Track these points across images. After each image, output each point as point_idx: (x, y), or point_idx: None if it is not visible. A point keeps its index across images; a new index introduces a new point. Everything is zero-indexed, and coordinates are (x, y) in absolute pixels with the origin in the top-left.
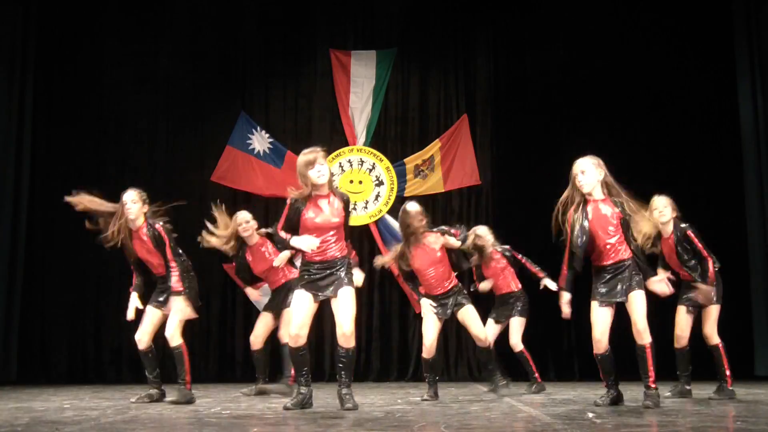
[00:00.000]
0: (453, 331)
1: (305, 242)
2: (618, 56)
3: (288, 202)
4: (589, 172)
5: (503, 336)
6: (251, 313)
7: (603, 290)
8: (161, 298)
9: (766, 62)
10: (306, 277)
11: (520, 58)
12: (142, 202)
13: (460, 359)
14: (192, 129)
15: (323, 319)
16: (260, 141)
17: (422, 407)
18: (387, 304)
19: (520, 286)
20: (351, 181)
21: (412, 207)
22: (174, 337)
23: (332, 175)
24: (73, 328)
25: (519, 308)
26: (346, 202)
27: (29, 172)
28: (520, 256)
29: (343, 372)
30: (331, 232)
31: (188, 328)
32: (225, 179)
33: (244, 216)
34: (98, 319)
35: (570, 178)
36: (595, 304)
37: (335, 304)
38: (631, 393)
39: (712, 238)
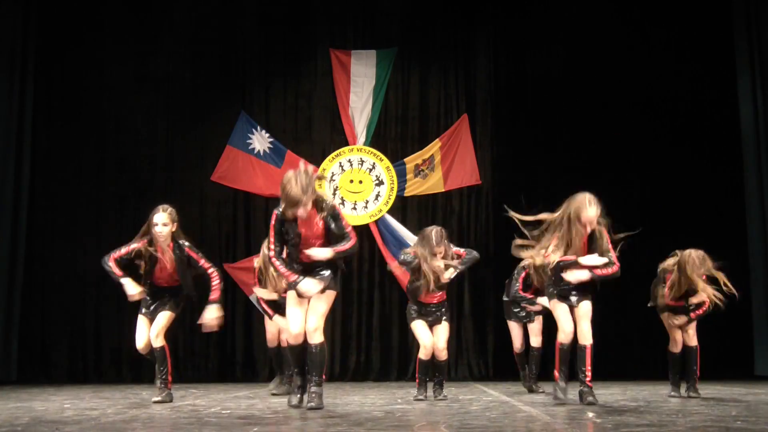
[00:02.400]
0: (453, 332)
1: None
2: (618, 56)
3: (273, 219)
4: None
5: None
6: (251, 313)
7: (558, 292)
8: (152, 308)
9: (766, 61)
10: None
11: (520, 58)
12: (172, 222)
13: (460, 359)
14: (192, 129)
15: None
16: (260, 141)
17: (422, 407)
18: (387, 304)
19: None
20: (351, 181)
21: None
22: (159, 337)
23: (316, 199)
24: (73, 328)
25: (539, 309)
26: (327, 212)
27: (29, 172)
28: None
29: (312, 370)
30: (317, 243)
31: (188, 328)
32: (225, 179)
33: None
34: (98, 319)
35: (573, 216)
36: (555, 302)
37: (311, 301)
38: (631, 393)
39: (713, 238)
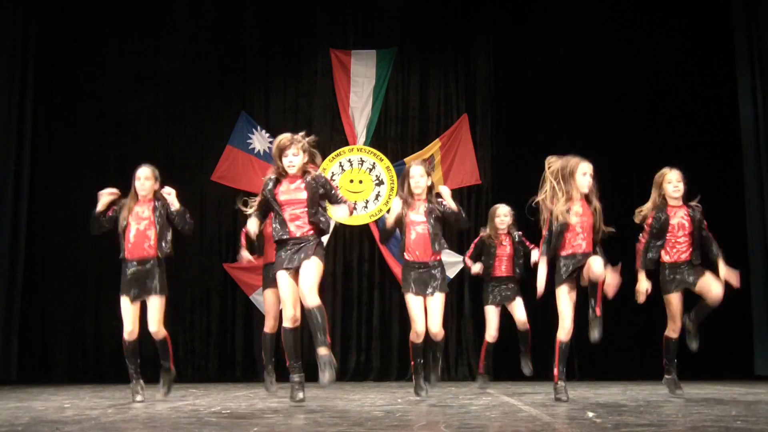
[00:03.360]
0: (453, 331)
1: None
2: (618, 56)
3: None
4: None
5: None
6: (251, 313)
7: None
8: (134, 291)
9: (766, 61)
10: (282, 256)
11: (520, 57)
12: (155, 179)
13: (460, 359)
14: (192, 129)
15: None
16: (260, 140)
17: (421, 407)
18: (387, 304)
19: (517, 272)
20: (351, 181)
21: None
22: (160, 327)
23: (306, 163)
24: (73, 328)
25: (517, 289)
26: (313, 178)
27: (29, 171)
28: (530, 244)
29: (316, 330)
30: (300, 209)
31: (188, 328)
32: (225, 179)
33: None
34: (98, 319)
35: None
36: (561, 289)
37: (300, 273)
38: (631, 393)
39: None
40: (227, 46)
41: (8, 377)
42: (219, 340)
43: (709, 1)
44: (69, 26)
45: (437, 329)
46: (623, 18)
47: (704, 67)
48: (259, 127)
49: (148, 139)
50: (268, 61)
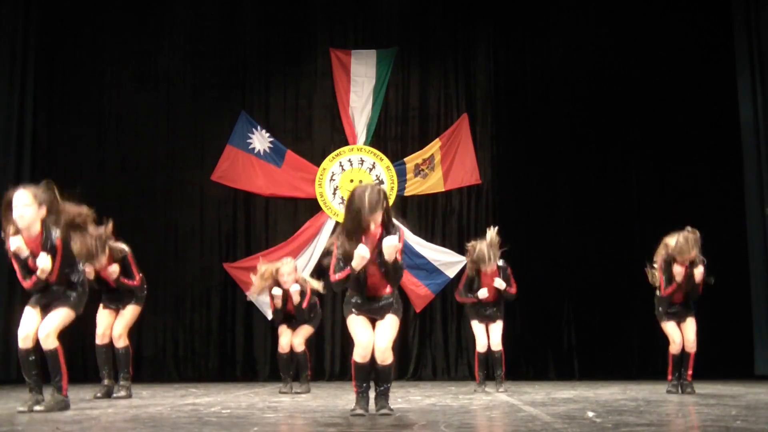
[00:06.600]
0: (453, 331)
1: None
2: (618, 55)
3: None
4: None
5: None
6: (251, 313)
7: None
8: (42, 301)
9: (766, 61)
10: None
11: (521, 57)
12: (38, 204)
13: (460, 359)
14: (192, 128)
15: (323, 320)
16: (260, 140)
17: (421, 407)
18: None
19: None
20: (351, 180)
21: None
22: (51, 338)
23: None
24: (73, 328)
25: (501, 312)
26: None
27: (30, 171)
28: (510, 273)
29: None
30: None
31: (188, 328)
32: (225, 178)
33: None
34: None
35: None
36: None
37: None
38: (631, 393)
39: (713, 238)
40: (227, 46)
41: (8, 377)
42: (219, 339)
43: (709, 1)
44: (69, 26)
45: (383, 344)
46: (623, 18)
47: (704, 67)
48: (259, 127)
49: (148, 139)
50: (268, 61)
